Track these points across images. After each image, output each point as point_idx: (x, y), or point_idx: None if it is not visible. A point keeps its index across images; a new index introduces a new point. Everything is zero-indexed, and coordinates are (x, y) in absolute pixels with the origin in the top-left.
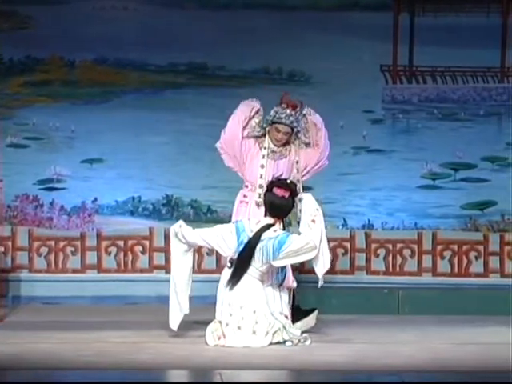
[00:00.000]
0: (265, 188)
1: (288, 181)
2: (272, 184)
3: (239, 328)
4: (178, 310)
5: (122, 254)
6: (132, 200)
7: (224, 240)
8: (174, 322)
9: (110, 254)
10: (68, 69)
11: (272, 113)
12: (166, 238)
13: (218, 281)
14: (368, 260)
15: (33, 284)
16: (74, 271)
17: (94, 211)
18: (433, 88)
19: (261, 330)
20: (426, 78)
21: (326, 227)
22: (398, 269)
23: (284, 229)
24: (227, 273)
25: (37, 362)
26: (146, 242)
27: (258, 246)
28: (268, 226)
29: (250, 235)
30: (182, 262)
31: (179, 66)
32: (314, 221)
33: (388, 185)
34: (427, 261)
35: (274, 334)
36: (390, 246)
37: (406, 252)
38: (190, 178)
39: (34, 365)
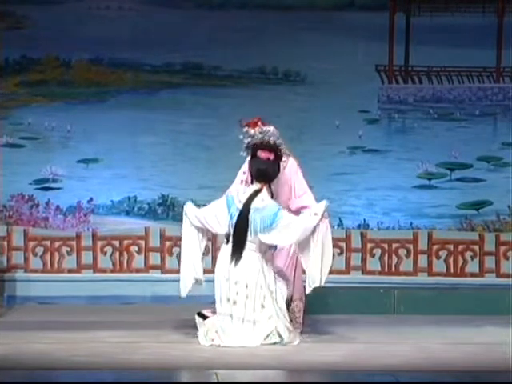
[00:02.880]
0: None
1: (272, 142)
2: (256, 147)
3: (245, 306)
4: (190, 276)
5: (117, 253)
6: (127, 200)
7: (217, 218)
8: (184, 289)
9: (105, 253)
10: (64, 69)
11: (246, 141)
12: (162, 237)
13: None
14: (364, 260)
15: (28, 284)
16: (70, 271)
17: (90, 211)
18: (428, 88)
19: (268, 308)
20: (421, 78)
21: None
22: (393, 269)
23: (272, 196)
24: (226, 250)
25: (32, 362)
26: (142, 242)
27: (249, 217)
28: (255, 193)
29: (240, 206)
30: (194, 230)
31: (175, 66)
32: (316, 214)
33: (384, 185)
34: (423, 260)
35: (267, 336)
36: (386, 246)
37: (402, 252)
38: (186, 177)
39: (28, 365)
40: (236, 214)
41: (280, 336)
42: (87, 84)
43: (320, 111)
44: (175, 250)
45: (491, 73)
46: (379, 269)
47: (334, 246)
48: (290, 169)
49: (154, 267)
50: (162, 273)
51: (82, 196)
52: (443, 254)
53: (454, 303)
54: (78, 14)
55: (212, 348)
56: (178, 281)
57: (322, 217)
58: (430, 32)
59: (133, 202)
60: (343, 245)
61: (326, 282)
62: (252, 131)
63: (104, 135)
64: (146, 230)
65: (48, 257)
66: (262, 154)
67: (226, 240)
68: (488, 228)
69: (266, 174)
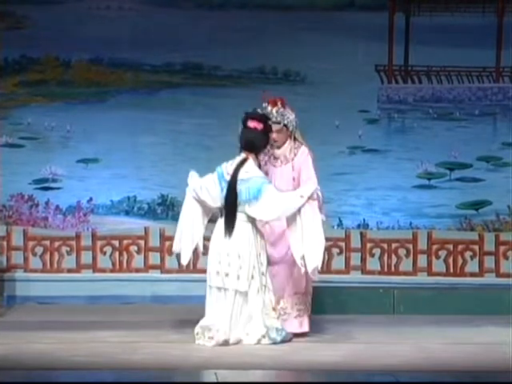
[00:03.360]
0: None
1: (261, 113)
2: (246, 116)
3: (238, 278)
4: (189, 242)
5: (117, 253)
6: (127, 200)
7: (209, 192)
8: (185, 257)
9: (105, 253)
10: (63, 69)
11: None
12: (161, 237)
13: None
14: (363, 260)
15: (28, 284)
16: (69, 271)
17: (90, 211)
18: (428, 88)
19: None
20: (421, 78)
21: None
22: (393, 268)
23: (260, 167)
24: (219, 224)
25: (31, 362)
26: (141, 242)
27: (237, 188)
28: (241, 163)
29: (228, 178)
30: (195, 201)
31: (174, 66)
32: (302, 196)
33: (383, 184)
34: (422, 260)
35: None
36: (386, 246)
37: (402, 251)
38: (186, 177)
39: (28, 365)
40: (225, 186)
41: (271, 338)
42: (87, 84)
43: (320, 111)
44: None
45: (491, 73)
46: (379, 269)
47: (334, 245)
48: (300, 157)
49: (154, 267)
50: (161, 273)
51: (81, 196)
52: (443, 253)
53: (454, 303)
54: (77, 13)
55: (211, 348)
56: (178, 281)
57: (309, 199)
58: (430, 32)
59: (132, 202)
60: (343, 245)
61: (325, 282)
62: (269, 108)
63: (104, 135)
64: (146, 229)
65: (48, 257)
66: (250, 124)
67: (219, 214)
68: (488, 228)
69: (252, 144)
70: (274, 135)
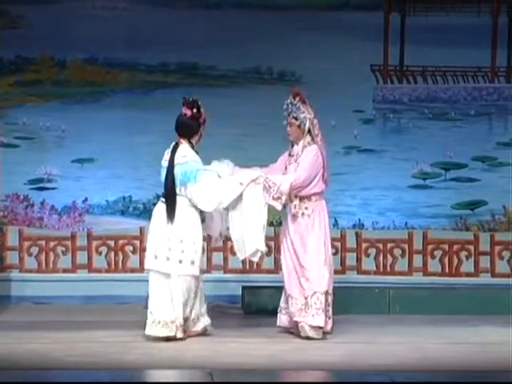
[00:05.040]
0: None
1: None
2: (182, 102)
3: (180, 262)
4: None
5: (112, 253)
6: (123, 200)
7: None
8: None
9: (100, 253)
10: (58, 68)
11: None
12: None
13: (210, 280)
14: (359, 260)
15: (23, 284)
16: (65, 271)
17: (85, 211)
18: (423, 88)
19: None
20: (416, 78)
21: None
22: (388, 268)
23: (197, 153)
24: (160, 209)
25: (27, 361)
26: (137, 242)
27: (174, 173)
28: (174, 147)
29: (165, 164)
30: None
31: (170, 66)
32: (241, 183)
33: (379, 184)
34: (418, 260)
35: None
36: (381, 246)
37: (397, 252)
38: None
39: (23, 365)
40: (164, 172)
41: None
42: (82, 84)
43: (315, 111)
44: None
45: (486, 73)
46: (374, 269)
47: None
48: (304, 154)
49: None
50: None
51: (76, 196)
52: (438, 253)
53: (449, 303)
54: (73, 13)
55: (206, 347)
56: None
57: (253, 183)
58: (425, 32)
59: (128, 202)
60: (338, 244)
61: None
62: (288, 100)
63: (99, 135)
64: (141, 229)
65: (43, 257)
66: (183, 110)
67: (163, 199)
68: (483, 228)
69: (181, 129)
70: (287, 127)
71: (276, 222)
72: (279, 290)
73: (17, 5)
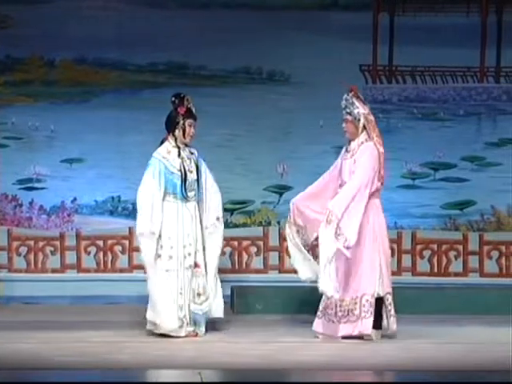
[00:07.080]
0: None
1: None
2: None
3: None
4: None
5: (101, 253)
6: (111, 200)
7: None
8: None
9: (89, 253)
10: (47, 68)
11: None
12: None
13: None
14: None
15: (12, 284)
16: (54, 271)
17: (74, 211)
18: (412, 88)
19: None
20: (405, 78)
21: None
22: None
23: (178, 149)
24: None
25: (16, 362)
26: (126, 242)
27: None
28: (161, 142)
29: (164, 162)
30: None
31: (159, 66)
32: (218, 218)
33: None
34: (407, 260)
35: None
36: None
37: None
38: None
39: (13, 365)
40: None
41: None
42: (71, 84)
43: (305, 111)
44: None
45: (475, 73)
46: None
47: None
48: (360, 151)
49: (138, 267)
50: (145, 273)
51: (65, 196)
52: (427, 253)
53: (438, 303)
54: (62, 13)
55: (196, 347)
56: None
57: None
58: (414, 32)
59: (117, 202)
60: None
61: (310, 282)
62: (345, 95)
63: (88, 135)
64: (130, 229)
65: (32, 257)
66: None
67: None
68: (472, 228)
69: (166, 121)
70: (343, 123)
71: (265, 222)
72: (268, 289)
73: (6, 4)
